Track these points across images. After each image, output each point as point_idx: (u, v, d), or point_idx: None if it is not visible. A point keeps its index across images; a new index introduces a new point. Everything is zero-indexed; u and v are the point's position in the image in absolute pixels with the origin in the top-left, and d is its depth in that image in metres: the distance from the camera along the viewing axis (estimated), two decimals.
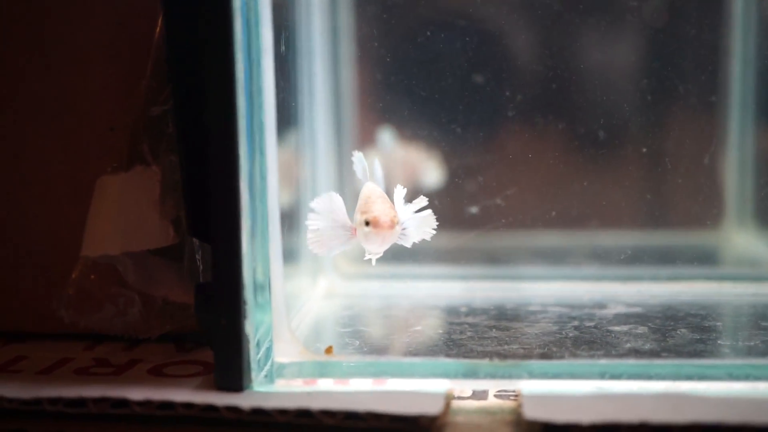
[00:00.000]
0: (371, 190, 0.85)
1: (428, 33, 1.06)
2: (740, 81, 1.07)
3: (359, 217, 0.82)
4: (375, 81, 1.09)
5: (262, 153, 0.75)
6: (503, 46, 1.06)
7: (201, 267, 0.81)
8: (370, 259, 0.85)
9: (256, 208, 0.75)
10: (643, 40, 1.07)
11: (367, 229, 0.81)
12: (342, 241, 0.83)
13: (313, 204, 0.81)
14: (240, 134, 0.73)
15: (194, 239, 0.81)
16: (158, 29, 0.79)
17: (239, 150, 0.73)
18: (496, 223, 1.05)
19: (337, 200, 0.82)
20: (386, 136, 1.08)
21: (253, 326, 0.75)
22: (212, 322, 0.76)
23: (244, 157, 0.73)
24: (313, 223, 0.81)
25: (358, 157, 0.87)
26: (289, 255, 0.94)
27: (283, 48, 0.86)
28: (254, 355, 0.76)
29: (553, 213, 1.06)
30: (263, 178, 0.76)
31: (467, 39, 1.05)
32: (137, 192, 0.80)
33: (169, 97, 0.79)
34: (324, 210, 0.81)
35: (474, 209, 1.05)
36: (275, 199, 0.77)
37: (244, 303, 0.75)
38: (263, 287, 0.76)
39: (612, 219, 1.09)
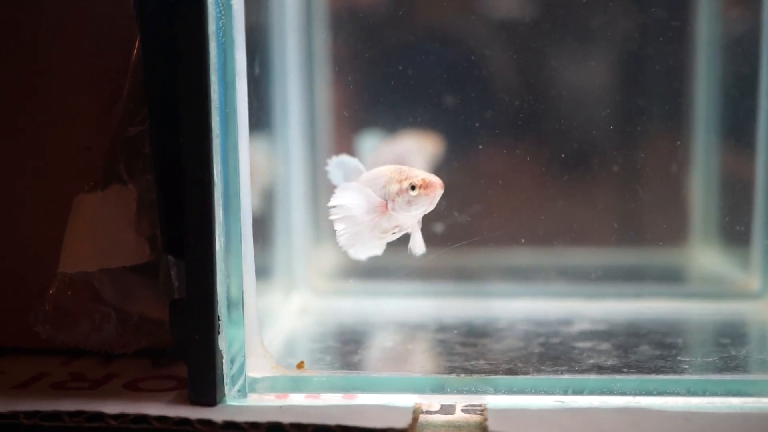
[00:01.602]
0: (386, 167, 0.84)
1: (401, 53, 1.08)
2: (705, 102, 1.10)
3: (395, 187, 0.81)
4: (349, 100, 1.11)
5: (236, 172, 0.77)
6: (475, 66, 1.08)
7: (176, 284, 0.83)
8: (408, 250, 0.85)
9: (230, 226, 0.77)
10: (611, 63, 1.10)
11: (413, 193, 0.80)
12: (375, 225, 0.82)
13: (332, 201, 0.81)
14: (214, 154, 0.75)
15: (169, 256, 0.82)
16: (135, 52, 0.81)
17: (213, 169, 0.75)
18: (467, 241, 1.07)
19: (359, 188, 0.81)
20: (368, 139, 1.09)
21: (226, 342, 0.77)
22: (186, 338, 0.78)
23: (218, 176, 0.75)
24: (338, 219, 0.81)
25: (336, 162, 0.88)
26: (263, 271, 0.96)
27: (257, 69, 0.89)
28: (227, 369, 0.78)
29: (523, 234, 1.08)
30: (237, 196, 0.78)
31: (439, 59, 1.08)
32: (114, 210, 0.82)
33: (145, 118, 0.81)
34: (345, 200, 0.81)
35: (444, 227, 1.07)
36: (248, 216, 0.79)
37: (218, 319, 0.77)
38: (237, 303, 0.78)
39: (580, 237, 1.11)
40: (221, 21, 0.75)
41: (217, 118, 0.75)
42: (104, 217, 0.81)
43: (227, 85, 0.76)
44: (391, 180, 0.81)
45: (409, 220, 0.83)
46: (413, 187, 0.80)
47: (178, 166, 0.76)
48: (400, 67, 1.07)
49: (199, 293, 0.76)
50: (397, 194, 0.80)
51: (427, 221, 1.07)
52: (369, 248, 0.84)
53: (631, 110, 1.10)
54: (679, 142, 1.12)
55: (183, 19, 0.74)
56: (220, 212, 0.76)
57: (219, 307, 0.76)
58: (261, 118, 0.92)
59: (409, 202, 0.80)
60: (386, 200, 0.81)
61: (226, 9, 0.75)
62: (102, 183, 0.82)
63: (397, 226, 0.83)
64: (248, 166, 0.79)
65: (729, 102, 1.09)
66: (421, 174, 0.81)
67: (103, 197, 0.82)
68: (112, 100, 0.83)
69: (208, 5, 0.73)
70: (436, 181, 0.80)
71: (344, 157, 0.88)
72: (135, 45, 0.82)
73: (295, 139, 1.06)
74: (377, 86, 1.08)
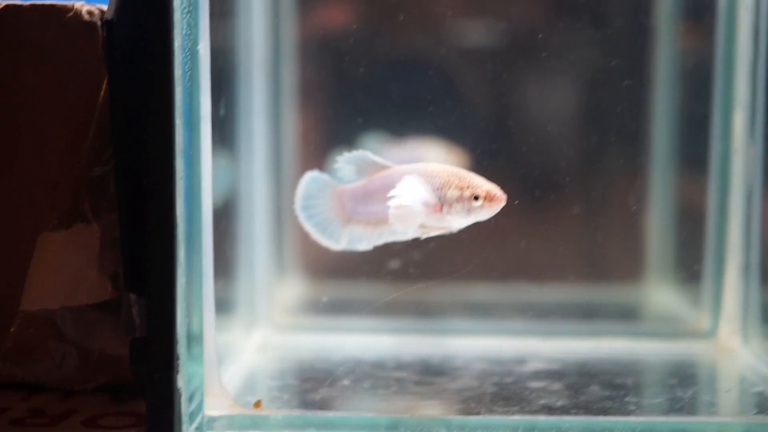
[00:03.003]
0: (439, 167, 0.82)
1: (370, 94, 1.10)
2: (662, 137, 1.13)
3: (454, 193, 0.79)
4: (315, 133, 1.14)
5: (199, 212, 0.79)
6: (436, 101, 1.11)
7: (137, 321, 0.84)
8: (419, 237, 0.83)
9: (192, 265, 0.79)
10: (567, 98, 1.13)
11: (476, 203, 0.78)
12: (423, 216, 0.80)
13: (400, 186, 0.80)
14: (178, 196, 0.77)
15: (131, 294, 0.84)
16: (102, 92, 0.83)
17: (177, 210, 0.77)
18: (426, 278, 1.09)
19: (421, 181, 0.80)
20: (372, 141, 1.10)
21: (185, 380, 0.78)
22: (146, 376, 0.79)
23: (181, 217, 0.77)
24: (399, 198, 0.79)
25: (349, 157, 0.85)
26: (224, 307, 0.97)
27: (222, 111, 0.90)
28: (186, 408, 0.79)
29: (482, 270, 1.10)
30: (199, 235, 0.79)
31: (406, 88, 1.10)
32: (77, 249, 0.83)
33: (111, 158, 0.82)
34: (407, 188, 0.80)
35: (401, 263, 1.08)
36: (210, 255, 0.81)
37: (177, 358, 0.78)
38: (197, 340, 0.80)
39: (537, 274, 1.14)
40: (187, 66, 0.76)
41: (182, 161, 0.77)
42: (68, 255, 0.83)
43: (192, 129, 0.77)
44: (448, 184, 0.80)
45: (460, 225, 0.81)
46: (476, 198, 0.79)
47: (141, 205, 0.78)
48: (365, 96, 1.09)
49: (159, 333, 0.78)
50: (457, 201, 0.79)
51: (384, 255, 1.09)
52: (409, 234, 0.82)
53: (588, 147, 1.13)
54: (636, 180, 1.15)
55: (150, 63, 0.75)
56: (183, 252, 0.77)
57: (179, 346, 0.78)
58: (225, 157, 0.94)
59: (469, 211, 0.79)
60: (441, 202, 0.80)
61: (192, 55, 0.77)
62: (66, 221, 0.83)
63: (444, 228, 0.81)
64: (211, 206, 0.80)
65: (686, 136, 1.12)
66: (485, 184, 0.80)
67: (67, 236, 0.83)
68: (79, 138, 0.84)
69: (175, 51, 0.75)
70: (501, 194, 0.79)
71: (360, 153, 0.85)
72: (102, 84, 0.83)
73: (259, 175, 1.08)
74: (344, 117, 1.11)
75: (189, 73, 0.77)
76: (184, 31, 0.76)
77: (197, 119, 0.78)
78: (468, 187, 0.79)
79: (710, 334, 1.08)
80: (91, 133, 0.83)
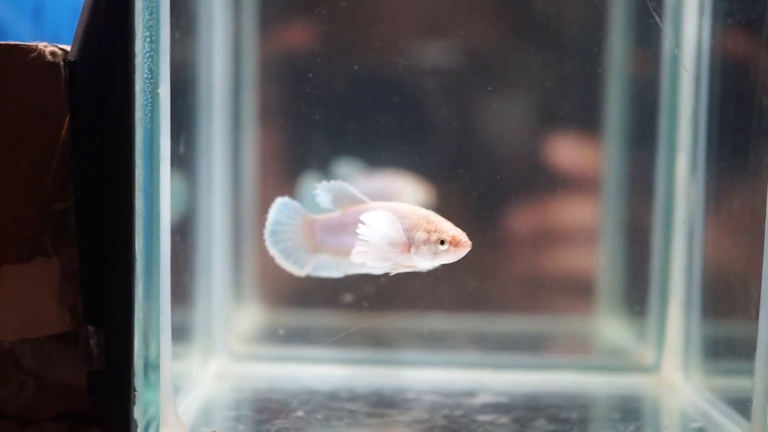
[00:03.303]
0: (408, 207, 0.85)
1: (331, 104, 1.12)
2: (615, 164, 1.17)
3: (422, 236, 0.82)
4: (277, 168, 1.16)
5: (157, 248, 0.82)
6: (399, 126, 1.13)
7: (95, 352, 0.86)
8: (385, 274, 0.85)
9: (149, 298, 0.81)
10: (522, 126, 1.16)
11: (442, 248, 0.81)
12: (391, 258, 0.83)
13: (366, 218, 0.82)
14: (136, 232, 0.79)
15: (89, 326, 0.85)
16: (65, 130, 0.85)
17: (135, 246, 0.79)
18: (382, 308, 1.12)
19: (393, 220, 0.82)
20: (342, 168, 1.11)
21: (141, 410, 0.81)
22: (103, 407, 0.81)
23: (139, 253, 0.80)
24: (364, 237, 0.82)
25: (327, 186, 0.87)
26: (182, 336, 0.99)
27: (182, 149, 0.93)
28: None
29: (434, 300, 1.13)
30: (157, 271, 0.82)
31: (372, 110, 1.13)
32: (37, 282, 0.85)
33: (71, 194, 0.84)
34: (376, 227, 0.82)
35: (355, 296, 1.11)
36: (167, 289, 0.83)
37: (134, 390, 0.80)
38: (154, 368, 0.82)
39: (488, 305, 1.17)
40: (148, 108, 0.79)
41: (141, 200, 0.79)
42: (28, 288, 0.84)
43: (152, 168, 0.80)
44: (417, 226, 0.83)
45: (427, 266, 0.84)
46: (442, 242, 0.82)
47: (100, 240, 0.80)
48: (330, 121, 1.11)
49: (117, 365, 0.80)
50: (424, 243, 0.82)
51: (340, 287, 1.11)
52: (377, 269, 0.85)
53: (540, 177, 1.16)
54: (589, 210, 1.18)
55: (112, 105, 0.78)
56: (141, 287, 0.80)
57: (135, 379, 0.80)
58: (184, 191, 0.96)
59: (435, 254, 0.82)
60: (409, 243, 0.82)
61: (153, 98, 0.79)
62: (27, 255, 0.85)
63: (411, 267, 0.84)
64: (169, 242, 0.83)
65: (637, 163, 1.16)
66: (451, 229, 0.82)
67: (28, 269, 0.85)
68: (40, 174, 0.86)
69: (137, 94, 0.78)
70: (466, 241, 0.82)
71: (338, 183, 0.88)
72: (64, 123, 0.85)
73: (219, 205, 1.10)
74: (305, 144, 1.13)
75: (149, 115, 0.80)
76: (145, 75, 0.79)
77: (157, 159, 0.81)
78: (435, 231, 0.82)
79: (654, 368, 1.11)
80: (52, 169, 0.85)
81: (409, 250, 0.83)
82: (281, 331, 1.13)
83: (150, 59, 0.79)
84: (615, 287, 1.19)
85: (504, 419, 0.95)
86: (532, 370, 1.12)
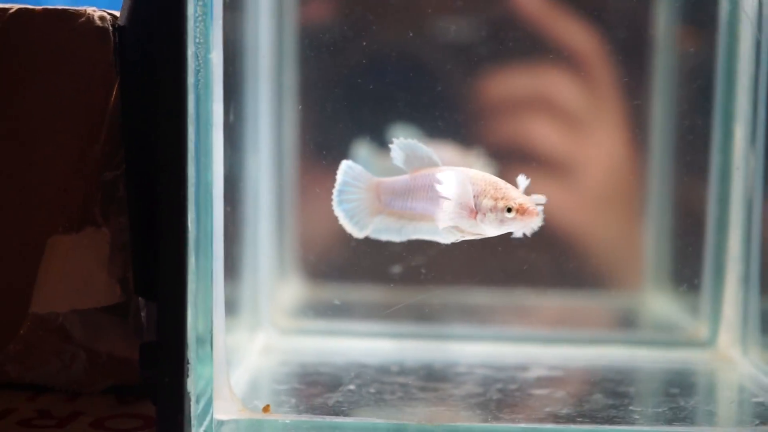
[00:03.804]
0: (477, 173, 0.82)
1: (368, 84, 1.10)
2: (663, 148, 1.14)
3: (489, 203, 0.79)
4: (319, 135, 1.14)
5: (210, 217, 0.79)
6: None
7: (146, 325, 0.84)
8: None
9: (201, 269, 0.79)
10: (568, 101, 1.13)
11: (509, 215, 0.79)
12: (462, 218, 0.80)
13: (441, 176, 0.80)
14: (189, 202, 0.77)
15: (140, 298, 0.84)
16: (113, 97, 0.83)
17: (188, 216, 0.77)
18: (428, 282, 1.09)
19: (465, 183, 0.80)
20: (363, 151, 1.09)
21: (194, 384, 0.79)
22: (155, 380, 0.79)
23: (192, 223, 0.77)
24: (445, 196, 0.80)
25: (403, 144, 0.84)
26: (230, 310, 0.97)
27: (231, 117, 0.91)
28: (194, 411, 0.79)
29: (482, 276, 1.10)
30: (209, 240, 0.80)
31: (406, 87, 1.10)
32: (87, 252, 0.83)
33: (121, 163, 0.83)
34: (455, 187, 0.80)
35: (403, 268, 1.09)
36: (220, 261, 0.81)
37: (187, 362, 0.78)
38: (207, 343, 0.80)
39: (537, 280, 1.14)
40: (199, 74, 0.77)
41: (193, 167, 0.77)
42: (77, 258, 0.83)
43: (203, 135, 0.78)
44: (484, 193, 0.80)
45: (493, 233, 0.81)
46: (509, 210, 0.79)
47: (152, 210, 0.78)
48: (369, 96, 1.09)
49: (169, 337, 0.78)
50: (490, 210, 0.79)
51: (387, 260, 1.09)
52: (443, 236, 0.83)
53: (590, 154, 1.14)
54: (634, 186, 1.15)
55: (162, 71, 0.76)
56: (193, 258, 0.78)
57: (189, 351, 0.78)
58: (234, 165, 0.95)
59: (501, 222, 0.79)
60: (476, 210, 0.80)
61: (204, 62, 0.77)
62: (76, 225, 0.84)
63: (478, 234, 0.82)
64: (222, 212, 0.81)
65: (684, 141, 1.12)
66: (519, 197, 0.80)
67: (77, 239, 0.83)
68: (89, 142, 0.84)
69: (188, 58, 0.76)
70: (534, 209, 0.79)
71: (413, 141, 0.85)
72: (114, 89, 0.84)
73: (265, 178, 1.09)
74: (346, 118, 1.11)
75: (201, 80, 0.77)
76: (197, 39, 0.77)
77: (209, 126, 0.78)
78: (502, 198, 0.79)
79: (708, 343, 1.09)
80: (102, 137, 0.83)
81: (475, 217, 0.80)
82: (337, 302, 1.11)
83: (202, 23, 0.77)
84: (666, 262, 1.16)
85: (560, 393, 0.93)
86: (583, 345, 1.10)
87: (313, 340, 1.10)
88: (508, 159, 1.11)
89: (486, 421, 0.84)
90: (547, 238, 1.12)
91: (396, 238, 0.88)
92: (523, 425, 0.82)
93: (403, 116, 1.10)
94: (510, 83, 1.12)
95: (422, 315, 1.12)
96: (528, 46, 1.11)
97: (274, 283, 1.12)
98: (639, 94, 1.13)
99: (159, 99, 0.77)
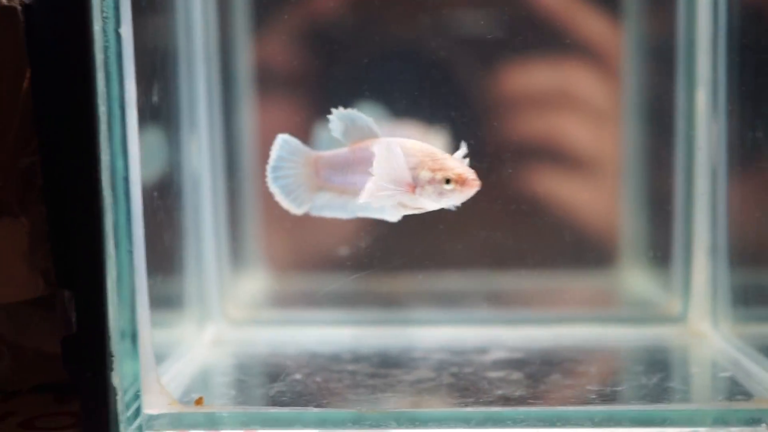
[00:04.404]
0: (415, 145, 0.78)
1: (334, 70, 1.06)
2: (633, 122, 1.09)
3: (426, 174, 0.75)
4: (276, 127, 1.09)
5: (127, 203, 0.75)
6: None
7: (72, 318, 0.80)
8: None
9: (122, 258, 0.75)
10: (539, 80, 1.08)
11: (447, 187, 0.75)
12: (401, 193, 0.76)
13: (375, 149, 0.76)
14: (103, 185, 0.73)
15: (65, 290, 0.80)
16: (25, 83, 0.79)
17: (102, 201, 0.73)
18: (386, 266, 1.05)
19: (399, 155, 0.76)
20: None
21: (120, 378, 0.75)
22: (80, 374, 0.75)
23: (108, 208, 0.73)
24: (375, 171, 0.76)
25: (342, 114, 0.80)
26: (171, 301, 0.94)
27: (155, 98, 0.86)
28: (122, 407, 0.75)
29: (445, 258, 1.06)
30: (129, 227, 0.75)
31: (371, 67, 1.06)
32: (5, 244, 0.79)
33: (37, 149, 0.79)
34: (385, 161, 0.76)
35: (357, 249, 1.04)
36: (141, 248, 0.77)
37: (111, 355, 0.74)
38: (131, 336, 0.76)
39: (503, 260, 1.10)
40: (108, 50, 0.73)
41: (107, 149, 0.73)
42: None
43: (117, 116, 0.74)
44: (422, 165, 0.76)
45: (433, 207, 0.77)
46: (448, 181, 0.75)
47: (65, 196, 0.74)
48: (331, 76, 1.05)
49: (90, 329, 0.74)
50: (428, 183, 0.75)
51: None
52: (384, 211, 0.79)
53: (561, 132, 1.09)
54: (605, 163, 1.11)
55: (68, 48, 0.72)
56: (111, 244, 0.74)
57: (112, 343, 0.74)
58: (163, 148, 0.90)
59: (440, 194, 0.75)
60: (414, 183, 0.76)
61: (114, 38, 0.73)
62: None
63: (418, 208, 0.78)
64: (140, 196, 0.77)
65: (658, 118, 1.08)
66: (457, 167, 0.75)
67: None
68: (3, 128, 0.80)
69: (95, 34, 0.72)
70: (474, 179, 0.75)
71: (352, 111, 0.80)
72: (26, 71, 0.80)
73: (208, 164, 1.04)
74: (305, 99, 1.06)
75: (111, 57, 0.73)
76: (104, 13, 0.73)
77: (121, 105, 0.74)
78: (440, 169, 0.75)
79: (680, 318, 1.04)
80: (15, 123, 0.79)
81: (414, 191, 0.76)
82: (323, 290, 1.06)
83: None
84: (639, 239, 1.12)
85: (516, 375, 0.88)
86: (550, 325, 1.05)
87: (267, 331, 1.06)
88: (483, 135, 1.07)
89: (431, 405, 0.80)
90: (516, 215, 1.09)
91: (342, 215, 0.83)
92: (469, 409, 0.78)
93: (368, 97, 1.06)
94: (479, 57, 1.08)
95: (382, 301, 1.08)
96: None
97: (228, 275, 1.08)
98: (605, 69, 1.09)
99: (68, 79, 0.73)
